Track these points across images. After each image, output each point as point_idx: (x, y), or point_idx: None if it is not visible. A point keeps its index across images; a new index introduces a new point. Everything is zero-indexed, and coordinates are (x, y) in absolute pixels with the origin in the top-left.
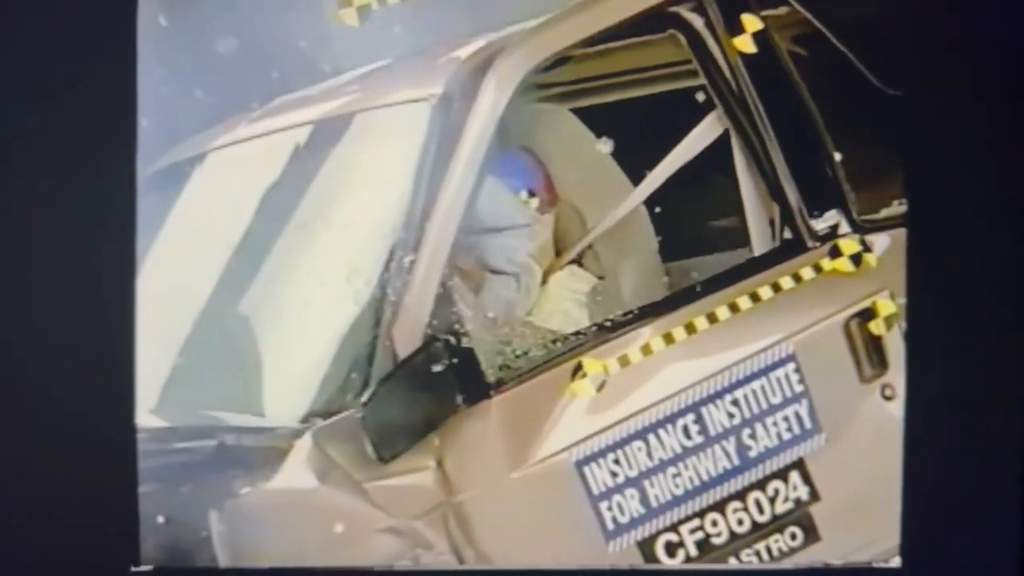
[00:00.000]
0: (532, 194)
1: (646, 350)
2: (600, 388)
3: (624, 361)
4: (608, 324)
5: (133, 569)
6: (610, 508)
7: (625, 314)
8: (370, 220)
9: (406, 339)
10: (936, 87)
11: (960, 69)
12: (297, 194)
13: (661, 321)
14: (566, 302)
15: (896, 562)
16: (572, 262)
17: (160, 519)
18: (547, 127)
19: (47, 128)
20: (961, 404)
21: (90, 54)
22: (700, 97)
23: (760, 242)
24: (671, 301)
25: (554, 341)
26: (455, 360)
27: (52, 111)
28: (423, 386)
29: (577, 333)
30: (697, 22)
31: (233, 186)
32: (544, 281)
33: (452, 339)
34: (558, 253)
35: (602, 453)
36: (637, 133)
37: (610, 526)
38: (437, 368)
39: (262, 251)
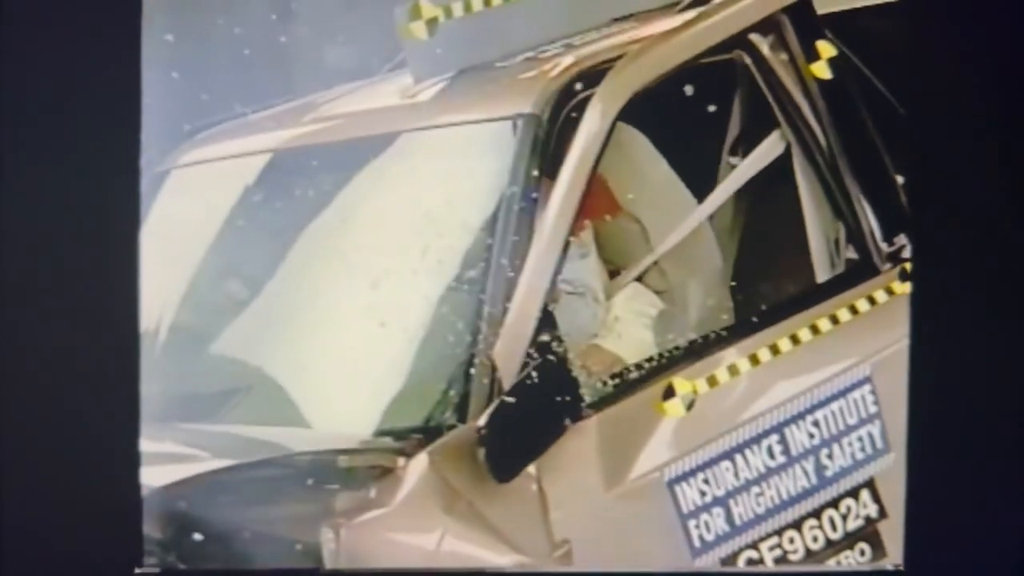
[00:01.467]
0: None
1: (733, 371)
2: (690, 408)
3: (712, 381)
4: (697, 345)
5: (137, 571)
6: (697, 526)
7: (712, 335)
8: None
9: (507, 358)
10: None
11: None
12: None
13: (748, 342)
14: (636, 327)
15: (898, 565)
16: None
17: (266, 533)
18: (613, 146)
19: (51, 130)
20: (963, 406)
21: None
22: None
23: (820, 261)
24: (756, 322)
25: (647, 360)
26: (561, 380)
27: (57, 111)
28: (537, 406)
29: (668, 352)
30: (765, 46)
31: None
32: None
33: (554, 359)
34: (617, 269)
35: (693, 472)
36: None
37: (697, 543)
38: (549, 388)
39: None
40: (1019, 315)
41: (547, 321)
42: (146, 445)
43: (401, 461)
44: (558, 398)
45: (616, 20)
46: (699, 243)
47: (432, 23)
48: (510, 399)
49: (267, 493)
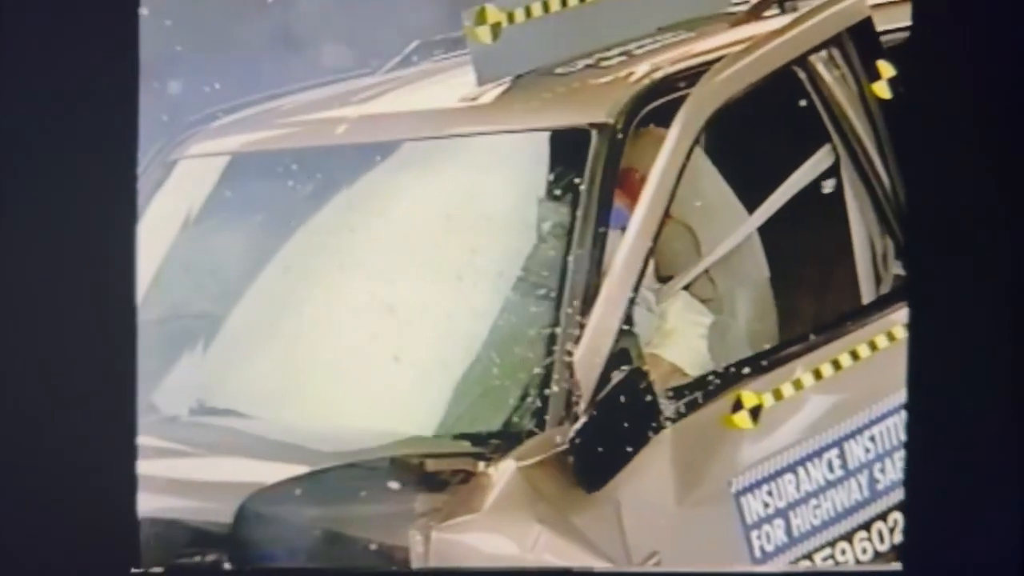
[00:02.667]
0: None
1: (797, 384)
2: (756, 420)
3: (777, 395)
4: (763, 358)
5: (133, 570)
6: (759, 537)
7: (777, 348)
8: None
9: (587, 366)
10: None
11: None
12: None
13: (811, 356)
14: (692, 337)
15: (897, 565)
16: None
17: (339, 532)
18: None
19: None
20: (962, 406)
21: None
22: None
23: (866, 276)
24: (819, 338)
25: (713, 372)
26: (644, 390)
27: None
28: (623, 417)
29: (735, 366)
30: (819, 63)
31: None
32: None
33: (636, 369)
34: (665, 277)
35: (758, 484)
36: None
37: (758, 554)
38: (633, 398)
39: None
40: (1018, 311)
41: (627, 331)
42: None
43: (481, 465)
44: (641, 409)
45: (661, 29)
46: (748, 254)
47: (496, 28)
48: (600, 409)
49: (344, 494)
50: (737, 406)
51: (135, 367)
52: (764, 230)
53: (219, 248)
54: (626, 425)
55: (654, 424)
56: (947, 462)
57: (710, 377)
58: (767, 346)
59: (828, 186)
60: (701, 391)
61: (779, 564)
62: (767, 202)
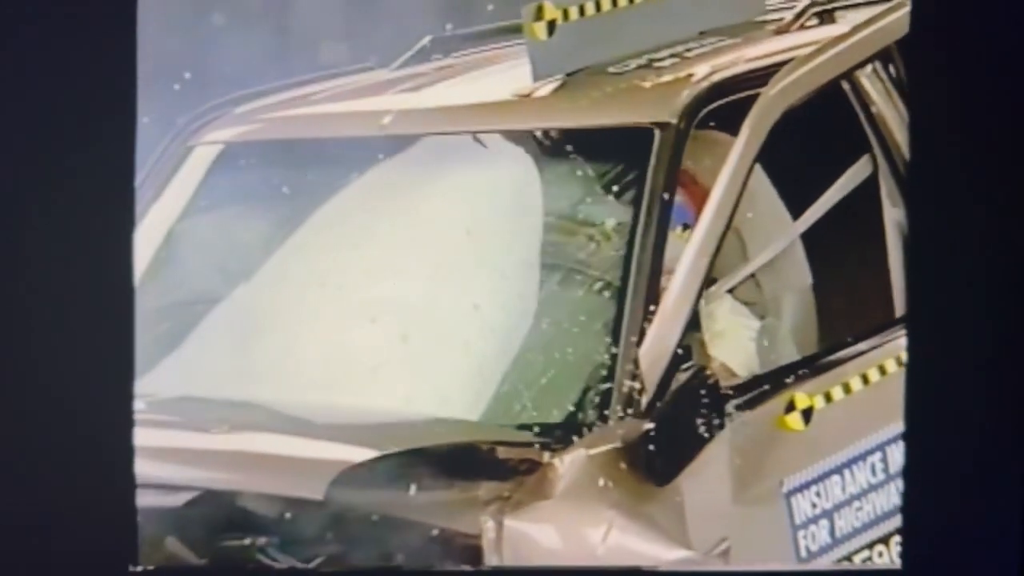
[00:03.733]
0: (687, 227)
1: (847, 388)
2: (808, 422)
3: (828, 398)
4: (813, 361)
5: (131, 568)
6: (805, 537)
7: (827, 352)
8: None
9: (653, 360)
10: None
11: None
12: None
13: (858, 361)
14: (742, 339)
15: (897, 564)
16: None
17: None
18: (718, 157)
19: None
20: (962, 405)
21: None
22: None
23: (899, 286)
24: (863, 344)
25: (765, 375)
26: (711, 386)
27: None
28: (692, 412)
29: (787, 368)
30: (862, 73)
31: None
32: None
33: (703, 365)
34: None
35: (808, 485)
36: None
37: (803, 554)
38: (701, 394)
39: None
40: (1018, 309)
41: (693, 326)
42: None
43: (546, 455)
44: (708, 405)
45: (703, 34)
46: (792, 259)
47: (552, 24)
48: (672, 404)
49: (407, 479)
50: (790, 407)
51: (132, 364)
52: (805, 237)
53: (239, 234)
54: (695, 421)
55: (718, 421)
56: (946, 461)
57: (762, 378)
58: (810, 351)
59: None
60: (755, 391)
61: (822, 564)
62: (810, 209)
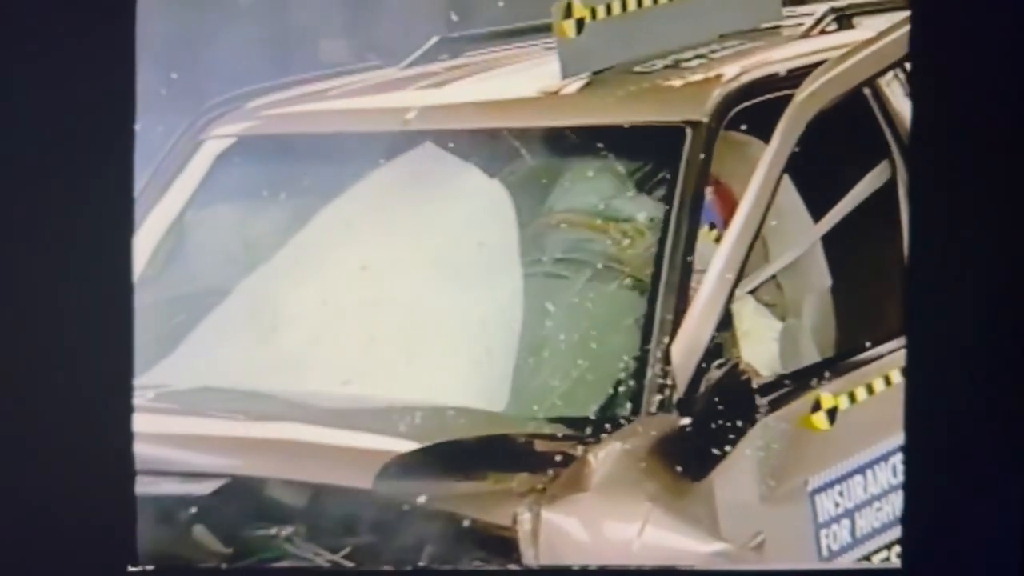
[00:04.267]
0: (713, 226)
1: (870, 389)
2: (833, 422)
3: (852, 398)
4: (837, 362)
5: (130, 568)
6: (827, 536)
7: (853, 351)
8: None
9: (685, 356)
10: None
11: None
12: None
13: (882, 362)
14: (766, 340)
15: (896, 563)
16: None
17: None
18: (739, 157)
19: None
20: (961, 403)
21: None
22: None
23: None
24: (884, 347)
25: (791, 374)
26: (744, 383)
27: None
28: (727, 408)
29: (814, 367)
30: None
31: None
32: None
33: (736, 361)
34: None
35: (832, 484)
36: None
37: (825, 553)
38: (735, 391)
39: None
40: (1017, 307)
41: (725, 323)
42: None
43: (579, 449)
44: (742, 402)
45: (723, 37)
46: (812, 262)
47: (581, 23)
48: (707, 400)
49: (439, 470)
50: (815, 407)
51: (131, 365)
52: (825, 240)
53: (252, 227)
54: (729, 417)
55: (750, 418)
56: (946, 461)
57: (787, 377)
58: (828, 353)
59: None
60: (782, 390)
61: (842, 563)
62: (830, 213)
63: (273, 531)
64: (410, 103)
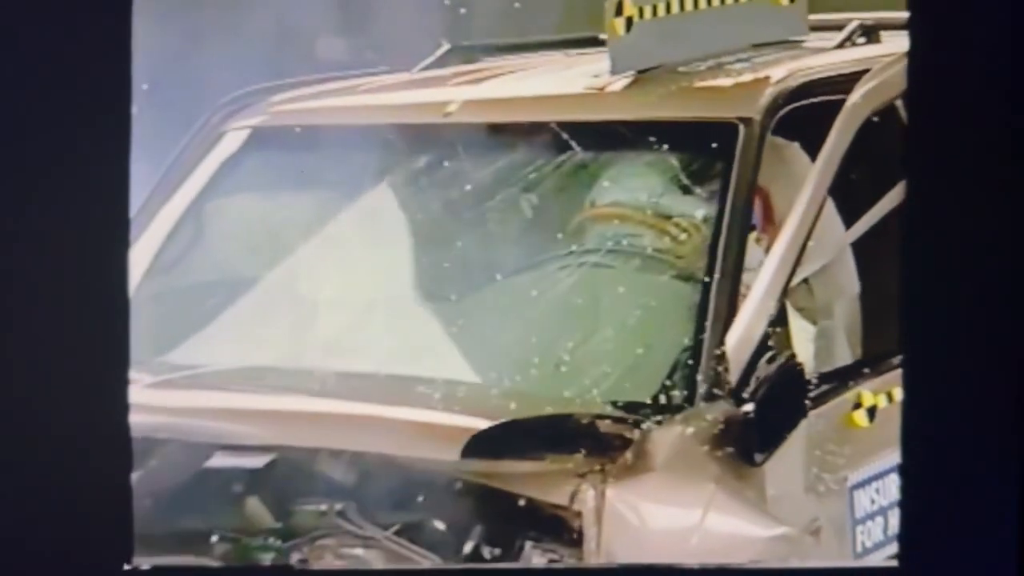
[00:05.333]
0: (752, 227)
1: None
2: (872, 420)
3: (890, 397)
4: (880, 361)
5: (126, 567)
6: (863, 532)
7: (890, 353)
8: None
9: (739, 349)
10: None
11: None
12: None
13: None
14: (804, 340)
15: (894, 563)
16: None
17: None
18: (778, 161)
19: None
20: (960, 403)
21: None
22: None
23: None
24: None
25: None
26: (797, 374)
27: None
28: (783, 399)
29: (854, 366)
30: None
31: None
32: None
33: (790, 353)
34: None
35: (869, 481)
36: None
37: (859, 549)
38: (789, 382)
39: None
40: (1016, 306)
41: (779, 317)
42: None
43: (636, 432)
44: (796, 394)
45: (756, 46)
46: (843, 267)
47: (630, 21)
48: (767, 388)
49: (494, 450)
50: (856, 405)
51: (127, 360)
52: (855, 247)
53: (275, 216)
54: (782, 408)
55: (802, 410)
56: (944, 459)
57: (830, 375)
58: (859, 356)
59: None
60: (825, 387)
61: (874, 560)
62: (862, 219)
63: (323, 506)
64: (450, 97)
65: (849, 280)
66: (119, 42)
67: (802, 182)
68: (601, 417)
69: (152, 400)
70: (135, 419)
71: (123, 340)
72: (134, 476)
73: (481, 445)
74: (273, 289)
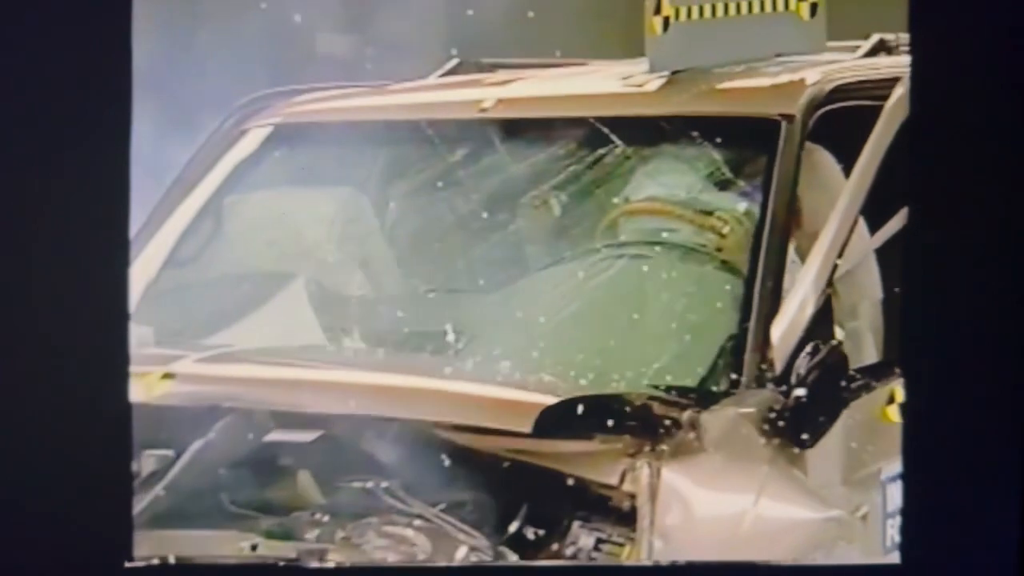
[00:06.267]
0: None
1: None
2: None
3: None
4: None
5: (127, 565)
6: (892, 527)
7: None
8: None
9: (785, 338)
10: None
11: None
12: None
13: None
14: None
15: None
16: None
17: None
18: (807, 165)
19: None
20: (961, 402)
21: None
22: None
23: None
24: None
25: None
26: (842, 364)
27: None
28: (828, 387)
29: (885, 364)
30: None
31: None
32: None
33: (835, 343)
34: None
35: (900, 475)
36: None
37: (888, 543)
38: (835, 370)
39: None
40: (1016, 305)
41: (825, 308)
42: None
43: (685, 415)
44: (839, 383)
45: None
46: (867, 273)
47: (667, 21)
48: (813, 378)
49: (544, 429)
50: (891, 400)
51: (127, 358)
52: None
53: (297, 210)
54: (833, 394)
55: (844, 400)
56: (945, 457)
57: (864, 371)
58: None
59: None
60: (860, 382)
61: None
62: (886, 225)
63: (369, 484)
64: (483, 96)
65: (872, 285)
66: (120, 42)
67: (830, 187)
68: (652, 399)
69: (204, 371)
70: (189, 389)
71: (124, 340)
72: (194, 445)
73: (553, 418)
74: (306, 283)
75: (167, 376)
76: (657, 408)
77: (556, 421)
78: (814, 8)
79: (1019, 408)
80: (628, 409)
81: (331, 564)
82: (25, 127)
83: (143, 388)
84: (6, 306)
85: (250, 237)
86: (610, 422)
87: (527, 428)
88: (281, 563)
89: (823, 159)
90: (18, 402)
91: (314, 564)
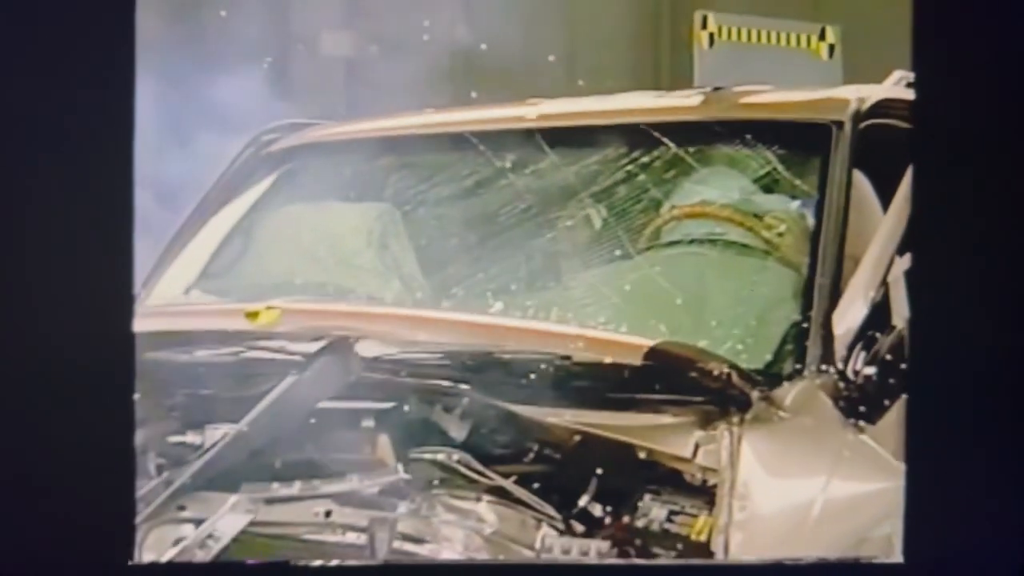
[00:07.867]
0: None
1: None
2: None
3: None
4: None
5: (130, 563)
6: None
7: None
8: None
9: (845, 325)
10: None
11: None
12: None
13: None
14: None
15: (898, 558)
16: None
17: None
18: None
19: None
20: (963, 401)
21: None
22: None
23: None
24: None
25: None
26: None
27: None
28: (890, 371)
29: None
30: None
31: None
32: None
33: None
34: None
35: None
36: None
37: None
38: (896, 359)
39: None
40: (1018, 303)
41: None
42: None
43: (755, 394)
44: (899, 367)
45: None
46: (896, 293)
47: (712, 36)
48: (881, 361)
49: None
50: None
51: (133, 363)
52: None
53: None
54: (890, 380)
55: (904, 385)
56: (947, 458)
57: None
58: None
59: None
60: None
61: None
62: None
63: (440, 456)
64: (524, 114)
65: (900, 305)
66: (123, 42)
67: (859, 202)
68: (733, 367)
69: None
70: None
71: (127, 340)
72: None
73: (660, 356)
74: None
75: (271, 308)
76: (736, 378)
77: (662, 359)
78: (832, 49)
79: (1022, 406)
80: (715, 371)
81: (332, 564)
82: (25, 125)
83: (253, 320)
84: (8, 307)
85: (285, 249)
86: (678, 396)
87: (637, 361)
88: (281, 565)
89: (858, 182)
90: (19, 404)
91: (316, 563)
